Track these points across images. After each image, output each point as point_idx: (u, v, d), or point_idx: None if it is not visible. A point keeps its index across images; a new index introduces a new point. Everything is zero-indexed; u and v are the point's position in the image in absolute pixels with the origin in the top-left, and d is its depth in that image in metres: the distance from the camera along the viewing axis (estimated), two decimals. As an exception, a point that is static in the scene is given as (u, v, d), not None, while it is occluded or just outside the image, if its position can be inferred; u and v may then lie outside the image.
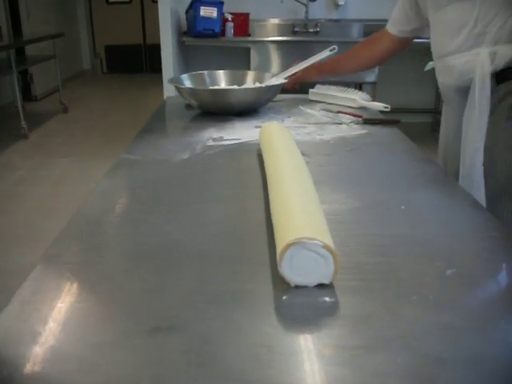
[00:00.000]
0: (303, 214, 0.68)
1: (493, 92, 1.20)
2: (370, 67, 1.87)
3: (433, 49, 1.40)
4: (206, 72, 1.68)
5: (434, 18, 1.36)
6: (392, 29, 1.55)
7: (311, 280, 0.62)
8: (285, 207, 0.72)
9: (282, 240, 0.63)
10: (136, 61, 8.61)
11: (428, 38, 1.41)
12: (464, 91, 1.27)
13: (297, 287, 0.62)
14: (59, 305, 0.60)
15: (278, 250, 0.62)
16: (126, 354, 0.52)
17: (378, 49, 1.61)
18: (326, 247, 0.60)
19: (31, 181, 3.64)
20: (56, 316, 0.58)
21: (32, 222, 2.99)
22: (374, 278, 0.65)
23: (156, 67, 3.73)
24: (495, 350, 0.53)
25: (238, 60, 3.83)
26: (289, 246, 0.60)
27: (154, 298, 0.61)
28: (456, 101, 1.35)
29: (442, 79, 1.39)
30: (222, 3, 3.59)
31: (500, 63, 1.19)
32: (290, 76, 1.65)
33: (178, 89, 1.49)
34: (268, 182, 0.87)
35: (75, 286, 0.64)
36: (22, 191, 3.44)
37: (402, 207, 0.86)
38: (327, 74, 1.76)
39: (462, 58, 1.25)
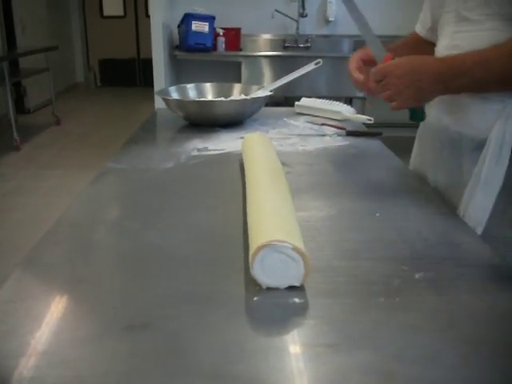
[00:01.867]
0: (275, 219, 0.70)
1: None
2: None
3: None
4: (193, 84, 1.71)
5: (451, 30, 1.04)
6: (418, 26, 1.28)
7: (282, 282, 0.64)
8: (258, 212, 0.74)
9: (254, 243, 0.65)
10: (130, 74, 8.67)
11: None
12: (476, 144, 0.97)
13: (268, 289, 0.64)
14: (37, 304, 0.62)
15: (251, 252, 0.64)
16: (99, 350, 0.54)
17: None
18: (296, 250, 0.62)
19: (22, 192, 3.65)
20: (34, 313, 0.59)
21: (22, 232, 2.99)
22: (345, 281, 0.68)
23: (150, 81, 3.76)
24: (455, 348, 0.55)
25: (229, 74, 3.86)
26: (260, 248, 0.62)
27: (130, 298, 0.63)
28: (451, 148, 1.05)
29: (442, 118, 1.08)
30: (214, 18, 3.64)
31: None
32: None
33: (166, 100, 1.52)
34: (246, 189, 0.89)
35: (54, 286, 0.66)
36: (13, 202, 3.45)
37: (377, 215, 0.89)
38: None
39: (482, 105, 0.95)
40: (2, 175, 3.99)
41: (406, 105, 0.98)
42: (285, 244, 0.62)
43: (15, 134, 4.64)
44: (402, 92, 0.95)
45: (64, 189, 3.70)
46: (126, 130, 5.37)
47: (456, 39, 1.02)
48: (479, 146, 0.95)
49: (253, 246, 0.64)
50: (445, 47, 1.06)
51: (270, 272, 0.63)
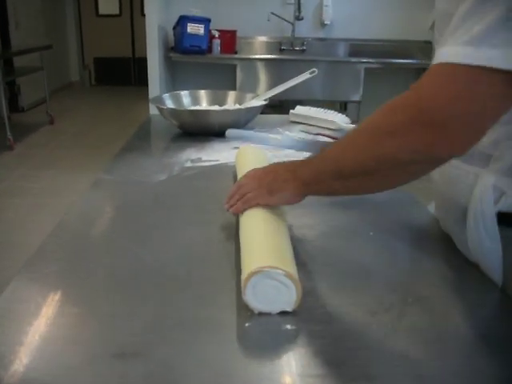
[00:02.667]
0: (268, 243, 0.70)
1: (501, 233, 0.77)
2: None
3: None
4: (187, 92, 1.71)
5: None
6: None
7: (274, 307, 0.64)
8: (250, 235, 0.74)
9: (246, 268, 0.65)
10: (124, 73, 8.63)
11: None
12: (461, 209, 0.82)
13: (260, 314, 0.64)
14: (27, 328, 0.61)
15: (243, 277, 0.64)
16: (89, 378, 0.53)
17: None
18: (288, 276, 0.62)
19: (14, 193, 3.62)
20: (23, 339, 0.59)
21: (12, 234, 2.97)
22: (337, 305, 0.67)
23: (144, 80, 3.74)
24: (448, 381, 0.55)
25: (225, 77, 3.86)
26: (252, 274, 0.62)
27: (122, 322, 0.63)
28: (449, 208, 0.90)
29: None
30: (209, 20, 3.62)
31: (506, 205, 0.75)
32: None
33: (160, 109, 1.51)
34: None
35: (45, 309, 0.65)
36: (5, 203, 3.43)
37: (371, 233, 0.88)
38: None
39: (460, 169, 0.81)
40: (-6, 175, 3.97)
41: (258, 193, 0.83)
42: (277, 270, 0.62)
43: (9, 133, 4.61)
44: (261, 178, 0.85)
45: (57, 190, 3.68)
46: (120, 129, 5.37)
47: None
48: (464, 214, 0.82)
49: (245, 272, 0.64)
50: None
51: (261, 297, 0.63)
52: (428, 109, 0.61)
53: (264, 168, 0.89)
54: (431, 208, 1.04)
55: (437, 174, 0.88)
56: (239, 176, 1.03)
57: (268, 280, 0.62)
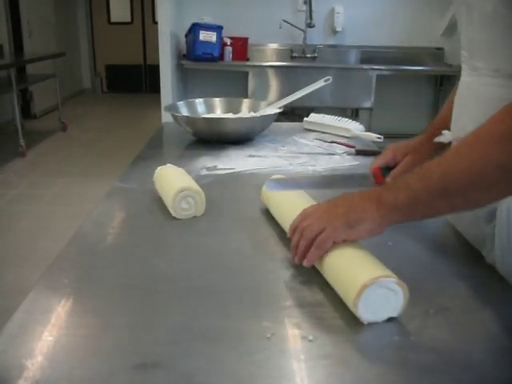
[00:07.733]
0: (365, 257, 0.72)
1: None
2: None
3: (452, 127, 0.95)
4: (202, 99, 1.71)
5: (463, 80, 0.91)
6: None
7: (381, 316, 0.66)
8: (341, 255, 0.73)
9: (352, 284, 0.66)
10: (136, 81, 8.70)
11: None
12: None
13: (282, 325, 0.64)
14: (48, 338, 0.61)
15: (352, 294, 0.64)
16: (111, 391, 0.53)
17: None
18: (398, 283, 0.65)
19: (26, 200, 3.64)
20: (44, 350, 0.58)
21: (24, 241, 2.98)
22: (357, 317, 0.67)
23: (156, 87, 3.76)
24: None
25: (236, 84, 3.86)
26: (365, 286, 0.63)
27: (142, 333, 0.62)
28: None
29: None
30: (221, 28, 3.63)
31: None
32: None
33: (174, 116, 1.52)
34: None
35: (64, 319, 0.65)
36: (17, 210, 3.45)
37: (389, 243, 0.88)
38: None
39: None
40: (7, 182, 3.99)
41: (332, 229, 0.73)
42: (389, 279, 0.64)
43: (21, 139, 4.64)
44: (330, 211, 0.75)
45: (67, 197, 3.70)
46: (132, 136, 5.39)
47: (463, 91, 0.90)
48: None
49: (353, 288, 0.65)
50: (456, 101, 0.92)
51: (372, 308, 0.64)
52: None
53: (327, 201, 0.78)
54: None
55: None
56: (164, 198, 1.00)
57: (380, 289, 0.64)
